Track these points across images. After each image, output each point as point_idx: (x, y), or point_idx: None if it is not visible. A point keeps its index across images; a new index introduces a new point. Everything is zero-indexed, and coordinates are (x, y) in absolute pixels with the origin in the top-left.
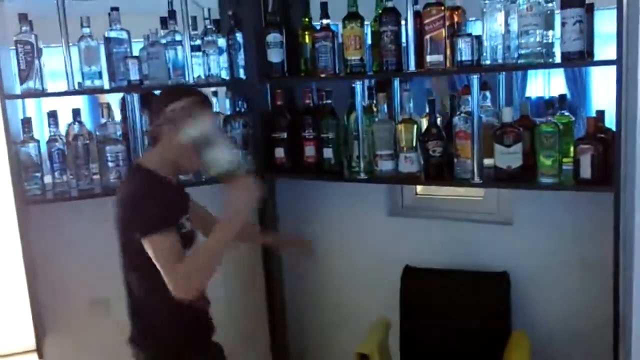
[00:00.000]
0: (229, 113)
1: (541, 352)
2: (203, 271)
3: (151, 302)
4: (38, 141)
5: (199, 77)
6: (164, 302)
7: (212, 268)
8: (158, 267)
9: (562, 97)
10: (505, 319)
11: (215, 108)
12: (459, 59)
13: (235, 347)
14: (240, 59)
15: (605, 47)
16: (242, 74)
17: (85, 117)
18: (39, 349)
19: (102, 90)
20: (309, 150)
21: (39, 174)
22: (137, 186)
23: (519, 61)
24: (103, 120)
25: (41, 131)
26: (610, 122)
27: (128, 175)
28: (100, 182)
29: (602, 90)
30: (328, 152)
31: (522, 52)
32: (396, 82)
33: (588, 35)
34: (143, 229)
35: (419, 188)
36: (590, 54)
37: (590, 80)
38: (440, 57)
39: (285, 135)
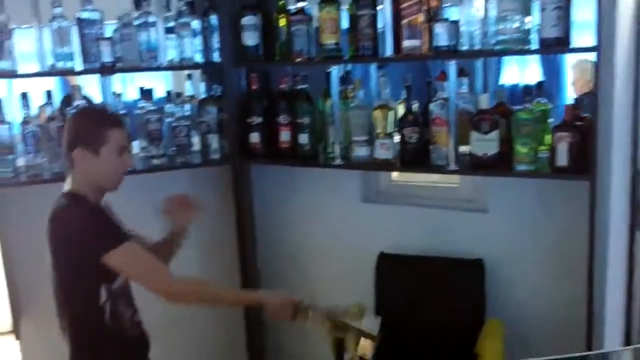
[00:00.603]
0: (203, 97)
1: (515, 338)
2: (200, 298)
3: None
4: (10, 123)
5: (172, 60)
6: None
7: (207, 302)
8: (135, 274)
9: (540, 84)
10: (480, 306)
11: (189, 92)
12: (436, 44)
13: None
14: (215, 41)
15: (580, 35)
16: (216, 57)
17: (56, 96)
18: (15, 331)
19: (74, 72)
20: (284, 136)
21: (11, 157)
22: (81, 211)
23: (497, 47)
24: (75, 103)
25: (12, 112)
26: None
27: (61, 202)
28: None
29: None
30: (303, 138)
31: (500, 38)
32: (372, 68)
33: (565, 22)
34: (109, 244)
35: (394, 175)
36: (567, 41)
37: (565, 67)
38: (417, 42)
39: (260, 120)
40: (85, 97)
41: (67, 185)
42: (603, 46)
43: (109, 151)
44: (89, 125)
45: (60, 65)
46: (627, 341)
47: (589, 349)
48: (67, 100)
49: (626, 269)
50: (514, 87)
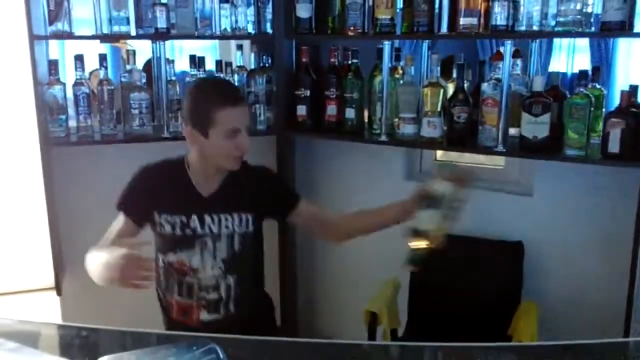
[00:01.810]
0: (252, 67)
1: (550, 323)
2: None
3: None
4: (64, 84)
5: (225, 29)
6: None
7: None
8: (314, 223)
9: (596, 69)
10: (516, 289)
11: (239, 62)
12: (493, 23)
13: None
14: (268, 12)
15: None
16: (268, 28)
17: (110, 65)
18: (57, 287)
19: (128, 36)
20: (331, 110)
21: (64, 117)
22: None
23: (556, 28)
24: (128, 67)
25: (65, 75)
26: None
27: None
28: (123, 128)
29: (625, 66)
30: (350, 112)
31: (561, 19)
32: (425, 45)
33: (630, 6)
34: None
35: (439, 154)
36: (631, 25)
37: (616, 55)
38: (474, 20)
39: (308, 93)
40: (168, 60)
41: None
42: None
43: (218, 134)
44: (199, 103)
45: (115, 29)
46: None
47: (626, 336)
48: (149, 65)
49: None
50: (563, 74)
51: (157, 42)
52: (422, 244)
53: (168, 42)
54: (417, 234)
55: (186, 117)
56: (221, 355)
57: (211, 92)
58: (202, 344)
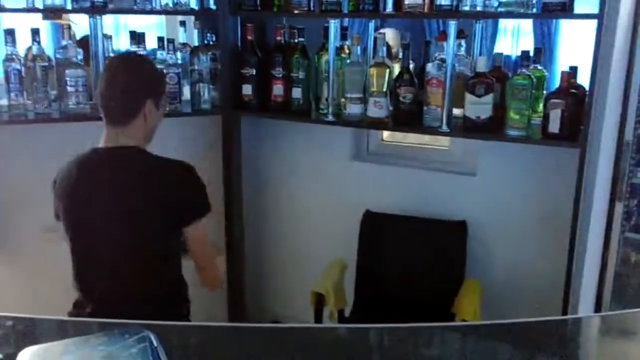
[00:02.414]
0: (196, 45)
1: (492, 300)
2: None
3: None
4: None
5: (166, 4)
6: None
7: None
8: (197, 251)
9: (538, 50)
10: (460, 267)
11: (183, 39)
12: (438, 2)
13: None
14: None
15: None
16: (212, 4)
17: (46, 40)
18: None
19: (63, 10)
20: (277, 89)
21: None
22: (182, 169)
23: (499, 9)
24: (64, 42)
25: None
26: (581, 79)
27: (149, 161)
28: (59, 107)
29: (569, 47)
30: (297, 92)
31: (504, 0)
32: (371, 25)
33: None
34: (198, 211)
35: (385, 134)
36: (571, 6)
37: (558, 37)
38: (419, 0)
39: (253, 72)
40: (105, 36)
41: (121, 140)
42: (605, 14)
43: (163, 103)
44: (158, 75)
45: (49, 2)
46: (598, 308)
47: (564, 314)
48: (84, 41)
49: (603, 238)
50: (507, 57)
51: (95, 17)
52: None
53: (110, 19)
54: None
55: (142, 92)
56: (154, 343)
57: (153, 63)
58: (134, 332)
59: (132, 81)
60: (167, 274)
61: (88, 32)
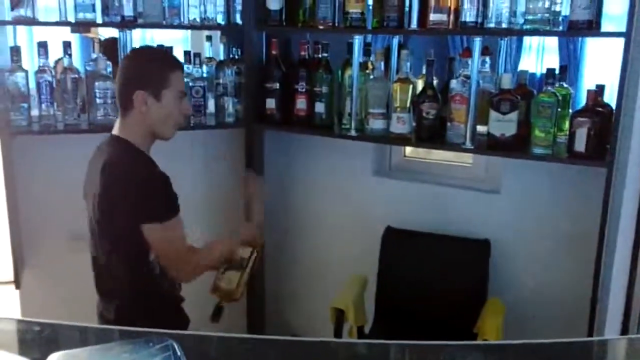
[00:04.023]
0: (222, 59)
1: (516, 320)
2: (205, 267)
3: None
4: (26, 71)
5: (194, 19)
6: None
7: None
8: (160, 251)
9: (563, 68)
10: (482, 286)
11: (209, 53)
12: (463, 19)
13: (211, 298)
14: (238, 3)
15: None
16: (238, 19)
17: (75, 53)
18: (16, 280)
19: (94, 24)
20: (301, 103)
21: (25, 105)
22: (134, 166)
23: (525, 26)
24: (94, 55)
25: (31, 63)
26: (607, 97)
27: (115, 152)
28: (87, 118)
29: (594, 66)
30: (320, 107)
31: (529, 17)
32: (395, 41)
33: (596, 5)
34: (154, 215)
35: (408, 150)
36: (598, 24)
37: (584, 54)
38: (443, 16)
39: (277, 86)
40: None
41: (116, 130)
42: (633, 32)
43: (171, 95)
44: (151, 66)
45: (81, 16)
46: (624, 330)
47: (590, 335)
48: (112, 48)
49: (630, 259)
50: (531, 74)
51: (124, 31)
52: (223, 299)
53: (138, 33)
54: (219, 290)
55: (131, 83)
56: (178, 352)
57: (162, 55)
58: (158, 340)
59: (123, 72)
60: (136, 270)
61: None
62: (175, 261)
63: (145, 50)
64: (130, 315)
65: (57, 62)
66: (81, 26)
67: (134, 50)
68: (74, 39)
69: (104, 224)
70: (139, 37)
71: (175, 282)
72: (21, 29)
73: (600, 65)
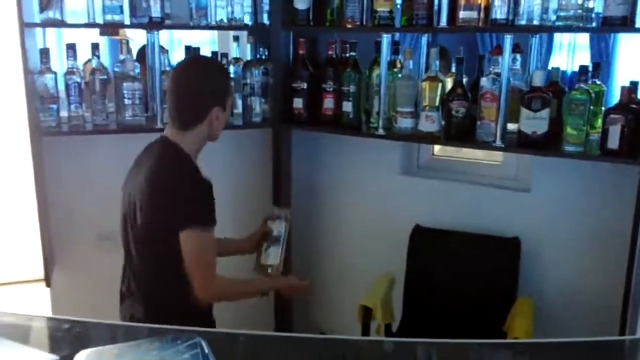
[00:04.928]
0: (249, 59)
1: (546, 320)
2: (233, 296)
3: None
4: (55, 73)
5: (221, 20)
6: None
7: (237, 298)
8: (194, 263)
9: (596, 64)
10: (512, 285)
11: (236, 53)
12: (493, 17)
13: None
14: (265, 3)
15: None
16: (265, 19)
17: (104, 54)
18: (47, 279)
19: (122, 25)
20: (328, 103)
21: (55, 106)
22: (181, 171)
23: (557, 23)
24: (122, 57)
25: (60, 65)
26: None
27: (165, 155)
28: (116, 118)
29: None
30: (347, 106)
31: (562, 14)
32: (424, 39)
33: (631, 0)
34: (196, 220)
35: (436, 149)
36: (632, 20)
37: (616, 51)
38: (474, 14)
39: (305, 85)
40: (162, 49)
41: (171, 135)
42: None
43: (230, 101)
44: (221, 80)
45: (108, 17)
46: None
47: (622, 334)
48: (142, 53)
49: None
50: (563, 72)
51: (152, 32)
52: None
53: (165, 34)
54: (264, 268)
55: (209, 99)
56: (206, 350)
57: (222, 66)
58: (186, 338)
59: (191, 88)
60: (170, 277)
61: (145, 44)
62: (204, 274)
63: (209, 62)
64: (156, 317)
65: (85, 63)
66: (110, 28)
67: (195, 63)
68: (103, 41)
69: (143, 225)
70: (167, 39)
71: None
72: (50, 31)
73: (633, 62)
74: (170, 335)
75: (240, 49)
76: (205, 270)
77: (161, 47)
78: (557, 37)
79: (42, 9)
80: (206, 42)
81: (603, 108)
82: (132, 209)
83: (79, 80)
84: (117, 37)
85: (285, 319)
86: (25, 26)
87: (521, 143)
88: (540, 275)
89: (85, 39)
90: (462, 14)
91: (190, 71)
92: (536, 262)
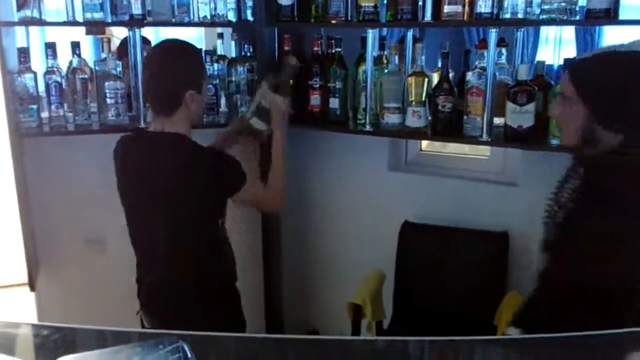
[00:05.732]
0: (233, 56)
1: None
2: (282, 176)
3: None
4: (35, 73)
5: (204, 17)
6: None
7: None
8: (261, 200)
9: None
10: (501, 280)
11: (220, 51)
12: (478, 11)
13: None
14: None
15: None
16: (249, 15)
17: (85, 53)
18: (31, 283)
19: (102, 23)
20: (315, 100)
21: (35, 106)
22: (206, 152)
23: (541, 16)
24: (103, 55)
25: (42, 64)
26: None
27: (183, 147)
28: (98, 118)
29: None
30: (334, 102)
31: (546, 7)
32: (409, 34)
33: None
34: (243, 175)
35: (424, 144)
36: (616, 13)
37: (601, 45)
38: (458, 8)
39: (290, 82)
40: (145, 40)
41: (163, 126)
42: None
43: (205, 84)
44: (195, 63)
45: (88, 16)
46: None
47: None
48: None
49: None
50: (550, 66)
51: (133, 29)
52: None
53: (150, 31)
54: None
55: (182, 83)
56: (189, 354)
57: (194, 48)
58: (169, 342)
59: (165, 72)
60: (205, 260)
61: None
62: (270, 201)
63: (180, 45)
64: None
65: (70, 63)
66: (91, 26)
67: (164, 47)
68: (88, 40)
69: (177, 207)
70: (152, 37)
71: None
72: (33, 30)
73: None
74: (152, 340)
75: (224, 46)
76: (266, 199)
77: (144, 39)
78: (544, 31)
79: (20, 7)
80: (192, 39)
81: None
82: (154, 199)
83: (59, 79)
84: (103, 36)
85: (275, 318)
86: (1, 25)
87: (508, 137)
88: (528, 270)
89: (69, 38)
90: (446, 8)
91: (160, 56)
92: (525, 256)
